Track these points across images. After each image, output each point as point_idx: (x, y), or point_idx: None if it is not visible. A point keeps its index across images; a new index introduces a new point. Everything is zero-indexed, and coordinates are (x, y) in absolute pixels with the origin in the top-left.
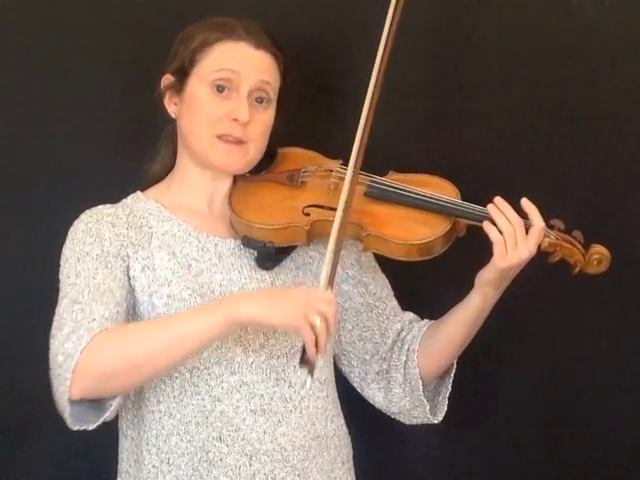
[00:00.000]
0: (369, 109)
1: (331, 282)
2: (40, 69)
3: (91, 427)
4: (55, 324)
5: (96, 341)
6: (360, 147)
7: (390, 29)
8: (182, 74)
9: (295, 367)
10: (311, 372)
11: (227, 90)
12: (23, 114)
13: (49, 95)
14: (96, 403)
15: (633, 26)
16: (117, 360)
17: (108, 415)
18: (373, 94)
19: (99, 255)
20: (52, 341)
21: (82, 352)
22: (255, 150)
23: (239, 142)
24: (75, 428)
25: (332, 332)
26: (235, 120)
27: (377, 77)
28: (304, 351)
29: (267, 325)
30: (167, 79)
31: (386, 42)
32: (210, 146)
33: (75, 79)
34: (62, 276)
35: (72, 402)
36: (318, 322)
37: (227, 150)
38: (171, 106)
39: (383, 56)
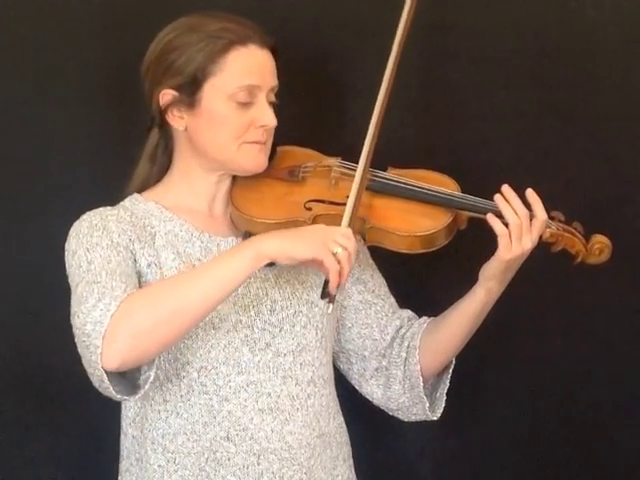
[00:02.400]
0: (382, 105)
1: (352, 224)
2: (40, 69)
3: (133, 398)
4: (75, 303)
5: (125, 304)
6: (372, 141)
7: (404, 29)
8: (192, 88)
9: (301, 364)
10: (332, 302)
11: (248, 98)
12: (23, 114)
13: (49, 95)
14: (125, 380)
15: (633, 26)
16: (150, 315)
17: (147, 388)
18: (387, 91)
19: (109, 245)
20: (75, 317)
21: (112, 317)
22: (269, 148)
23: (265, 143)
24: (118, 397)
25: (352, 265)
26: (262, 126)
27: (391, 75)
28: (325, 285)
29: (292, 257)
30: (169, 94)
31: (400, 41)
32: (239, 153)
33: (75, 79)
34: (72, 268)
35: (109, 373)
36: (339, 250)
37: (258, 150)
38: (175, 120)
39: (397, 55)
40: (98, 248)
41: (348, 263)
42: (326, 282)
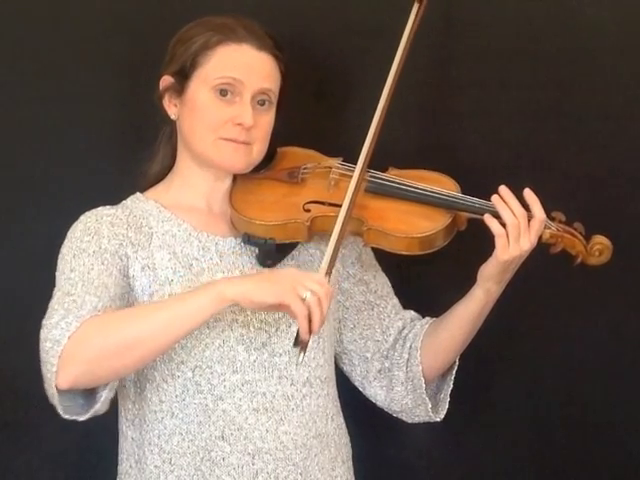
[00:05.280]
0: (383, 108)
1: (329, 271)
2: (40, 69)
3: (81, 418)
4: (46, 315)
5: (84, 327)
6: (371, 144)
7: (410, 34)
8: (183, 76)
9: (296, 366)
10: (303, 350)
11: (230, 94)
12: (23, 114)
13: (49, 95)
14: (87, 395)
15: (633, 26)
16: (105, 344)
17: (99, 407)
18: (388, 93)
19: (96, 252)
20: (42, 330)
21: (70, 338)
22: (258, 151)
23: (244, 143)
24: (66, 417)
25: (324, 311)
26: (239, 124)
27: (394, 77)
28: (298, 334)
29: (255, 301)
30: (166, 80)
31: (406, 44)
32: (214, 147)
33: (75, 79)
34: (57, 272)
35: (61, 392)
36: (308, 295)
37: (233, 149)
38: (171, 107)
39: (402, 57)
40: (84, 255)
41: (318, 308)
42: (298, 330)
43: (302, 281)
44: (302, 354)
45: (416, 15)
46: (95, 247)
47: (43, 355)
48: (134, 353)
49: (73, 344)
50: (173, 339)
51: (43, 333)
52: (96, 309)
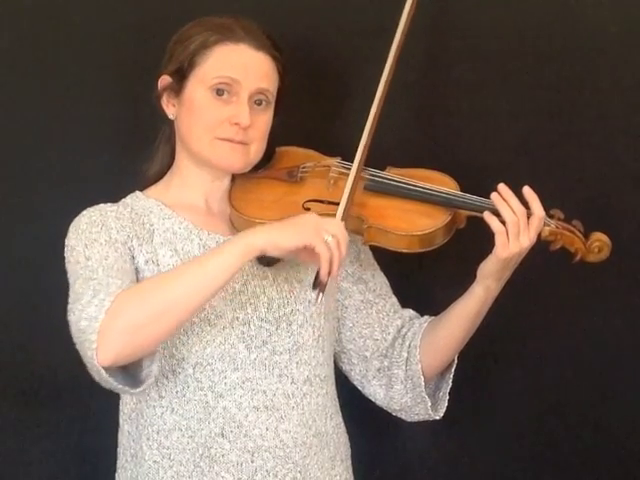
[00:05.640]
0: (378, 105)
1: (345, 217)
2: (40, 69)
3: (133, 391)
4: (72, 300)
5: (118, 300)
6: (368, 140)
7: (404, 30)
8: (181, 76)
9: (297, 363)
10: (322, 291)
11: (227, 94)
12: (23, 114)
13: (49, 95)
14: (128, 377)
15: (633, 26)
16: (141, 311)
17: (151, 381)
18: (383, 90)
19: (107, 241)
20: (71, 314)
21: (106, 313)
22: (256, 151)
23: (241, 143)
24: (119, 390)
25: (343, 254)
26: (236, 124)
27: (388, 75)
28: (317, 275)
29: (282, 246)
30: (164, 80)
31: (399, 42)
32: (211, 147)
33: (75, 79)
34: (70, 264)
35: (106, 369)
36: (330, 238)
37: (230, 148)
38: (169, 107)
39: (395, 55)
40: (96, 244)
41: (339, 251)
42: (317, 272)
43: (323, 225)
44: (320, 295)
45: (408, 12)
46: (106, 237)
47: (79, 335)
48: (170, 317)
49: (110, 318)
50: (206, 298)
51: (74, 315)
52: (121, 288)
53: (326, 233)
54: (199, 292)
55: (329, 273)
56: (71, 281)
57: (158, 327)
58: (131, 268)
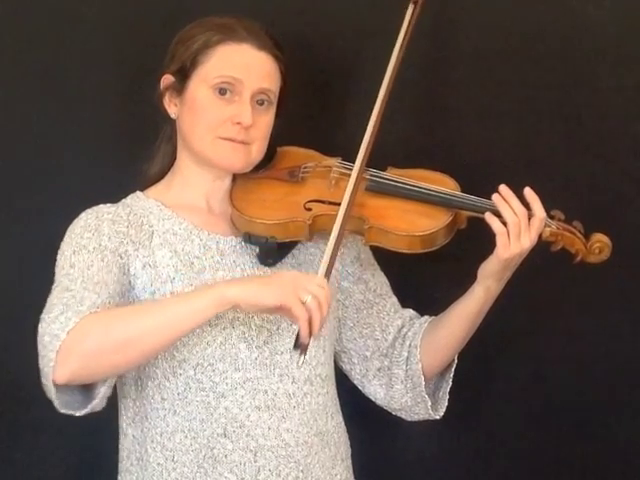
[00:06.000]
0: (381, 106)
1: (328, 273)
2: (40, 69)
3: (78, 414)
4: (45, 309)
5: (83, 322)
6: (370, 141)
7: (407, 32)
8: (183, 75)
9: (297, 367)
10: (304, 353)
11: (229, 93)
12: (23, 114)
13: (50, 95)
14: (85, 391)
15: (633, 26)
16: (103, 339)
17: (97, 403)
18: (385, 92)
19: (96, 249)
20: (40, 324)
21: (68, 333)
22: (257, 151)
23: (243, 143)
24: (63, 411)
25: (324, 314)
26: (238, 124)
27: (391, 75)
28: (297, 337)
29: (256, 304)
30: (167, 79)
31: (402, 44)
32: (212, 146)
33: (75, 79)
34: (57, 267)
35: (59, 386)
36: (309, 299)
37: (232, 148)
38: (171, 107)
39: (398, 56)
40: (84, 251)
41: (319, 312)
42: (298, 333)
43: (303, 284)
44: (302, 356)
45: (411, 16)
46: (95, 244)
47: (41, 349)
48: (132, 350)
49: (72, 339)
50: (172, 338)
51: (42, 327)
52: (95, 305)
53: (305, 293)
54: (163, 332)
55: (310, 334)
56: (53, 285)
57: (117, 357)
58: (114, 280)
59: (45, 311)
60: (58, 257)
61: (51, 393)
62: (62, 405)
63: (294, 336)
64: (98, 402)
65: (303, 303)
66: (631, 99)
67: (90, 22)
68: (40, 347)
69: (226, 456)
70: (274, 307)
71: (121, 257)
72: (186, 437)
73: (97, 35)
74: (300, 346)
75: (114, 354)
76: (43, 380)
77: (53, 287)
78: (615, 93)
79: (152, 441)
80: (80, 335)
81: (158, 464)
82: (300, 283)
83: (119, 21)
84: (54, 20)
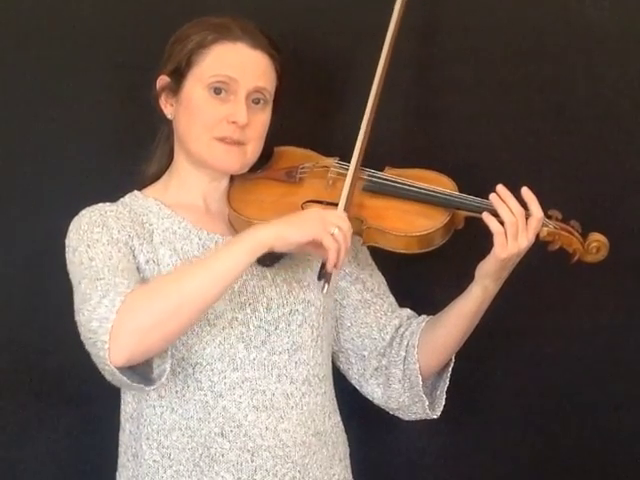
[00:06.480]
0: (373, 105)
1: (347, 208)
2: (40, 69)
3: (150, 388)
4: (79, 301)
5: (128, 300)
6: (364, 140)
7: (395, 30)
8: (178, 75)
9: (296, 363)
10: (328, 282)
11: (225, 92)
12: (22, 114)
13: (49, 95)
14: (138, 375)
15: (633, 26)
16: (153, 310)
17: (164, 380)
18: (377, 91)
19: (109, 241)
20: (80, 314)
21: (117, 313)
22: (253, 151)
23: (238, 143)
24: (134, 388)
25: (349, 245)
26: (233, 123)
27: (382, 74)
28: (322, 267)
29: (291, 242)
30: (163, 80)
31: (391, 42)
32: (208, 148)
33: (74, 79)
34: (73, 265)
35: (120, 369)
36: (336, 231)
37: (226, 151)
38: (167, 107)
39: (388, 55)
40: (99, 244)
41: (345, 242)
42: (323, 264)
43: (328, 217)
44: (327, 285)
45: (399, 9)
46: (107, 237)
47: (90, 336)
48: (182, 316)
49: (122, 317)
50: (217, 296)
51: (84, 316)
52: (129, 288)
53: (332, 226)
54: (209, 290)
55: (335, 264)
56: (75, 282)
57: (170, 326)
58: (134, 268)
59: (80, 302)
60: (70, 255)
61: (114, 375)
62: (129, 384)
63: (318, 268)
64: (162, 378)
65: (331, 235)
66: (631, 99)
67: (90, 22)
68: (89, 334)
69: (223, 455)
70: (306, 242)
71: (131, 249)
72: (183, 435)
73: (97, 35)
74: (325, 275)
75: (167, 322)
76: (100, 366)
77: (77, 282)
78: (615, 93)
79: (148, 438)
80: (130, 312)
81: (154, 461)
82: (326, 217)
83: (119, 21)
84: (54, 20)
